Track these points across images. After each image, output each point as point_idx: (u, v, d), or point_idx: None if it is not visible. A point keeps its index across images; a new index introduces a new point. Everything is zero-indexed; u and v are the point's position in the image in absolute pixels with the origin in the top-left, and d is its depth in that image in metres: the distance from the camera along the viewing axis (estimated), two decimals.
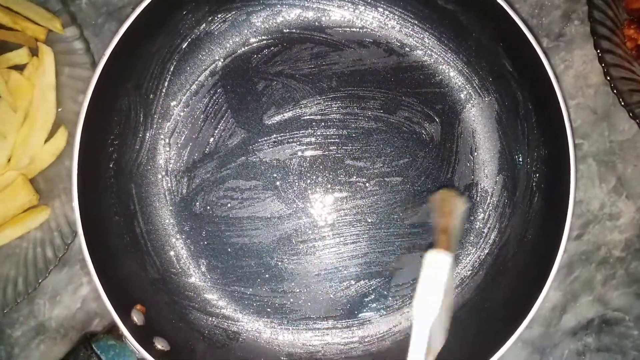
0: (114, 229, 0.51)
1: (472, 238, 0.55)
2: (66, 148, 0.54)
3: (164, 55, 0.53)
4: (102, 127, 0.50)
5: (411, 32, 0.54)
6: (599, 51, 0.49)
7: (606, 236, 0.56)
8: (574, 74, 0.56)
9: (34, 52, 0.52)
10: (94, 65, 0.52)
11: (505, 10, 0.47)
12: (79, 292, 0.57)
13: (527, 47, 0.47)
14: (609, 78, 0.49)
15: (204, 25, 0.53)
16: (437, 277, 0.40)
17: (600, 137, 0.56)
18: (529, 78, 0.50)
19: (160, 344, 0.49)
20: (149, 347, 0.47)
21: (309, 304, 0.54)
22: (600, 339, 0.56)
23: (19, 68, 0.53)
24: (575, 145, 0.47)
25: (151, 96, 0.54)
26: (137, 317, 0.48)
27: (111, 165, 0.51)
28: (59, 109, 0.54)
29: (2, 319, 0.56)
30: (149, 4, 0.47)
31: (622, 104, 0.49)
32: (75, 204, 0.47)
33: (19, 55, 0.52)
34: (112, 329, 0.49)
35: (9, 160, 0.52)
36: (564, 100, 0.47)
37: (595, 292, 0.56)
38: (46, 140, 0.53)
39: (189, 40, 0.53)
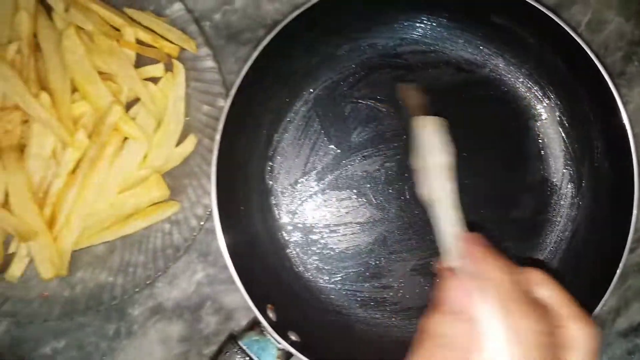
0: (244, 238, 0.59)
1: (547, 228, 0.62)
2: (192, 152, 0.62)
3: (272, 90, 0.61)
4: (233, 147, 0.58)
5: (478, 52, 0.62)
6: None
7: None
8: (633, 108, 0.64)
9: (168, 67, 0.61)
10: (223, 83, 0.60)
11: (582, 47, 0.55)
12: (194, 277, 0.65)
13: (599, 81, 0.55)
14: None
15: (302, 61, 0.62)
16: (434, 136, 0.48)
17: None
18: (599, 104, 0.58)
19: (293, 336, 0.56)
20: (286, 339, 0.56)
21: (407, 296, 0.62)
22: None
23: (154, 80, 0.61)
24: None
25: (259, 123, 0.62)
26: (272, 314, 0.56)
27: (235, 187, 0.60)
28: (187, 118, 0.62)
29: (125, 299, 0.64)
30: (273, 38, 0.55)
31: None
32: (216, 218, 0.55)
33: (156, 70, 0.60)
34: (252, 327, 0.59)
35: (145, 158, 0.61)
36: (631, 128, 0.54)
37: None
38: (177, 145, 0.61)
39: (292, 74, 0.62)
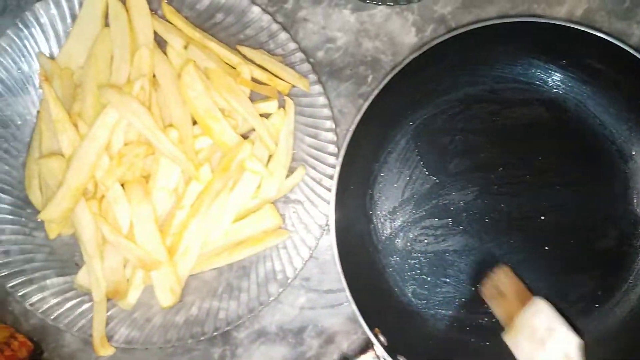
0: (354, 263, 0.62)
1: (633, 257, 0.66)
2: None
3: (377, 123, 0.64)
4: (345, 177, 0.62)
5: (570, 90, 0.65)
6: None
7: None
8: None
9: (280, 104, 0.64)
10: (332, 117, 0.64)
11: None
12: (297, 302, 0.68)
13: None
14: None
15: (407, 97, 0.65)
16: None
17: None
18: None
19: None
20: None
21: None
22: None
23: (264, 116, 0.64)
24: None
25: (363, 155, 0.65)
26: (382, 338, 0.59)
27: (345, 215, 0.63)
28: (294, 151, 0.65)
29: None
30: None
31: None
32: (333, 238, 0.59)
33: (271, 106, 0.63)
34: (363, 350, 0.62)
35: (257, 189, 0.64)
36: None
37: None
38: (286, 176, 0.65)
39: (396, 108, 0.66)
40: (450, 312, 0.65)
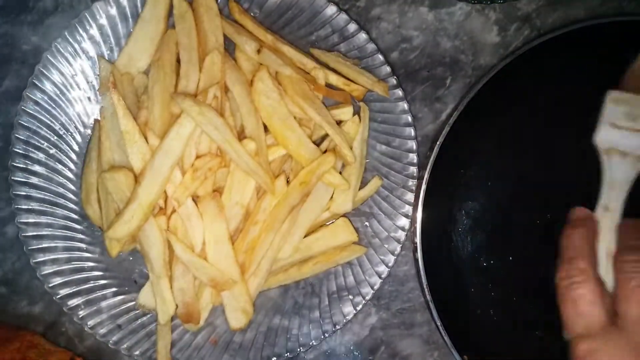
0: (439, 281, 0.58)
1: None
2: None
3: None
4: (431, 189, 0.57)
5: None
6: None
7: None
8: None
9: (355, 110, 0.60)
10: (412, 125, 0.59)
11: None
12: (367, 321, 0.64)
13: None
14: None
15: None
16: None
17: None
18: None
19: None
20: None
21: None
22: None
23: (338, 123, 0.60)
24: None
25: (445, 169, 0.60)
26: None
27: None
28: (367, 160, 0.61)
29: None
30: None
31: None
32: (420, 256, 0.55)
33: (345, 113, 0.59)
34: None
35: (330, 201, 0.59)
36: None
37: None
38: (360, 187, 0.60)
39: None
40: (536, 332, 0.62)
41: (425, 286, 0.55)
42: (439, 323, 0.55)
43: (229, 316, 0.56)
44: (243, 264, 0.56)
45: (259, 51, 0.57)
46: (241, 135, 0.57)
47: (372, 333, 0.63)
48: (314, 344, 0.59)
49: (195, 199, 0.55)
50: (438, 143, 0.55)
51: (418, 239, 0.55)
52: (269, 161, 0.56)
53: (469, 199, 0.62)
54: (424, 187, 0.55)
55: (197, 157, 0.55)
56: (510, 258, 0.61)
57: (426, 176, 0.55)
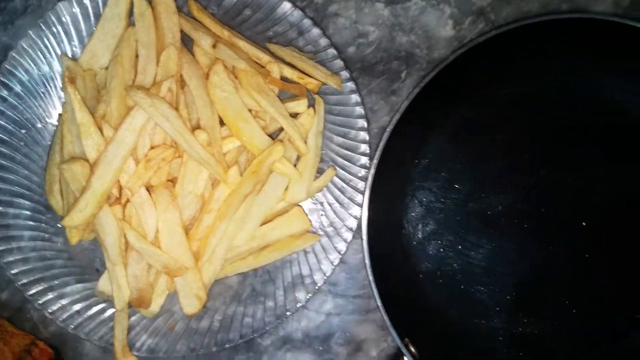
0: (386, 267, 0.60)
1: None
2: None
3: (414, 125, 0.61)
4: (380, 180, 0.59)
5: (630, 94, 0.61)
6: None
7: None
8: None
9: (310, 102, 0.61)
10: (365, 116, 0.61)
11: None
12: (324, 308, 0.65)
13: None
14: None
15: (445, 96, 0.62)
16: None
17: None
18: None
19: None
20: None
21: (546, 328, 0.62)
22: None
23: (293, 115, 0.61)
24: None
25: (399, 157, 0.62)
26: (413, 349, 0.57)
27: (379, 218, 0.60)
28: (323, 151, 0.63)
29: None
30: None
31: None
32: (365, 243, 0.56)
33: (299, 105, 0.61)
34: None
35: (285, 191, 0.61)
36: None
37: None
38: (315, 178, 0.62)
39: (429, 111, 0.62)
40: (483, 320, 0.63)
41: (368, 267, 0.56)
42: (379, 303, 0.56)
43: (182, 302, 0.58)
44: (198, 252, 0.58)
45: (214, 46, 0.59)
46: (197, 128, 0.58)
47: (328, 319, 0.65)
48: (267, 329, 0.61)
49: (150, 188, 0.57)
50: (387, 130, 0.57)
51: (364, 225, 0.56)
52: (222, 152, 0.58)
53: (422, 188, 0.63)
54: (372, 172, 0.56)
55: (152, 147, 0.57)
56: (460, 247, 0.62)
57: (374, 162, 0.56)
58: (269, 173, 0.58)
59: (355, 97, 0.61)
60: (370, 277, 0.56)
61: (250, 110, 0.60)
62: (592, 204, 0.62)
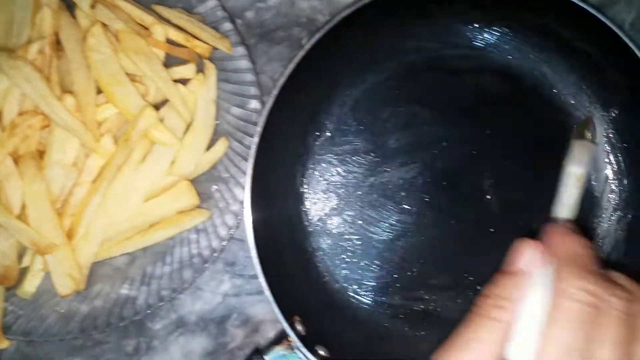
0: (274, 246, 0.56)
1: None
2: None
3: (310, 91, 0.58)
4: (268, 151, 0.55)
5: (527, 60, 0.59)
6: None
7: None
8: None
9: (199, 68, 0.57)
10: (258, 83, 0.57)
11: (628, 46, 0.53)
12: (220, 288, 0.62)
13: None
14: None
15: (343, 63, 0.59)
16: None
17: None
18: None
19: (321, 351, 0.54)
20: (315, 354, 0.53)
21: (438, 309, 0.59)
22: None
23: (183, 82, 0.57)
24: None
25: (295, 127, 0.59)
26: (300, 327, 0.53)
27: (267, 192, 0.56)
28: (217, 121, 0.58)
29: None
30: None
31: None
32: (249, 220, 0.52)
33: (187, 70, 0.56)
34: (279, 340, 0.56)
35: (172, 164, 0.57)
36: None
37: None
38: (206, 149, 0.58)
39: (331, 76, 0.59)
40: (384, 298, 0.60)
41: (252, 247, 0.52)
42: (262, 280, 0.52)
43: (55, 282, 0.54)
44: (71, 228, 0.54)
45: (93, 7, 0.54)
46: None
47: (224, 300, 0.61)
48: (152, 311, 0.57)
49: (18, 159, 0.52)
50: (272, 95, 0.53)
51: (247, 198, 0.52)
52: (97, 119, 0.53)
53: (323, 161, 0.59)
54: (255, 141, 0.52)
55: (21, 114, 0.52)
56: (360, 222, 0.59)
57: (258, 130, 0.52)
58: (145, 141, 0.54)
59: (245, 63, 0.57)
60: (253, 252, 0.52)
61: (133, 77, 0.55)
62: (497, 177, 0.59)
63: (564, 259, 0.39)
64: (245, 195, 0.52)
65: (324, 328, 0.57)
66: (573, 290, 0.36)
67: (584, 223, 0.58)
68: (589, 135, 0.52)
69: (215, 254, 0.57)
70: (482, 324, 0.38)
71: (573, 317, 0.36)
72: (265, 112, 0.52)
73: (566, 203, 0.48)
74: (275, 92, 0.52)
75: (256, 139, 0.52)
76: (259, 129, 0.52)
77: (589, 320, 0.36)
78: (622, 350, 0.36)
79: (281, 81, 0.52)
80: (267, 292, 0.52)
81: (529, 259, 0.40)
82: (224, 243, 0.57)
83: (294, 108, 0.56)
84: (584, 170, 0.49)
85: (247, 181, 0.52)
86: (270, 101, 0.52)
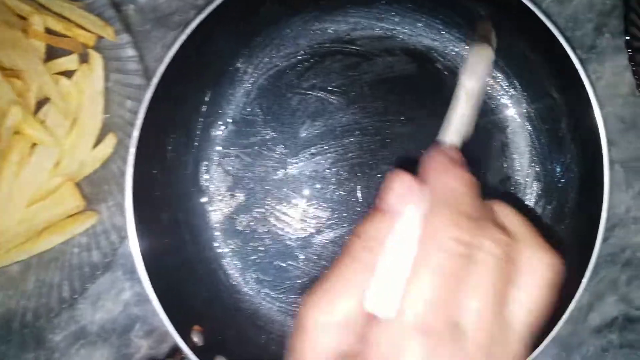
0: (167, 249, 0.52)
1: None
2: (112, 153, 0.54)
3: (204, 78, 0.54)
4: (157, 144, 0.51)
5: (439, 38, 0.56)
6: (632, 64, 0.52)
7: (631, 239, 0.59)
8: (604, 85, 0.58)
9: (84, 59, 0.53)
10: (146, 72, 0.53)
11: (544, 23, 0.49)
12: (121, 297, 0.57)
13: (564, 59, 0.49)
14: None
15: (242, 47, 0.54)
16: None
17: (627, 145, 0.58)
18: (565, 87, 0.52)
19: None
20: None
21: None
22: (624, 335, 0.59)
23: (67, 74, 0.53)
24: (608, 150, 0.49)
25: (192, 118, 0.54)
26: (197, 338, 0.49)
27: (159, 191, 0.52)
28: (106, 115, 0.54)
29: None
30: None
31: None
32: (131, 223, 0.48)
33: (70, 62, 0.52)
34: (174, 353, 0.53)
35: (57, 165, 0.52)
36: (600, 110, 0.49)
37: (619, 291, 0.59)
38: (94, 146, 0.53)
39: (230, 61, 0.55)
40: (300, 300, 0.55)
41: (136, 255, 0.48)
42: (147, 285, 0.48)
43: None
44: None
45: None
46: None
47: (126, 309, 0.57)
48: (46, 319, 0.52)
49: None
50: (153, 82, 0.48)
51: (128, 201, 0.48)
52: None
53: (228, 155, 0.55)
54: (138, 124, 0.48)
55: None
56: (271, 219, 0.55)
57: (137, 123, 0.48)
58: (22, 141, 0.49)
59: (130, 51, 0.52)
60: (138, 259, 0.48)
61: (11, 71, 0.50)
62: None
63: (438, 198, 0.33)
64: (127, 199, 0.48)
65: (229, 336, 0.53)
66: (442, 238, 0.31)
67: None
68: (486, 39, 0.43)
69: (106, 260, 0.53)
70: (351, 266, 0.33)
71: (438, 268, 0.31)
72: (145, 102, 0.48)
73: (453, 123, 0.40)
74: (155, 80, 0.48)
75: (135, 133, 0.48)
76: (138, 121, 0.48)
77: (458, 271, 0.31)
78: (494, 299, 0.31)
79: (161, 69, 0.48)
80: (154, 299, 0.48)
81: (399, 194, 0.34)
82: (116, 247, 0.53)
83: (183, 97, 0.51)
84: (475, 83, 0.41)
85: (128, 183, 0.48)
86: (149, 91, 0.47)
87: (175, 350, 0.51)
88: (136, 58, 0.52)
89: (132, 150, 0.48)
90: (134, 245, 0.47)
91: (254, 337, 0.55)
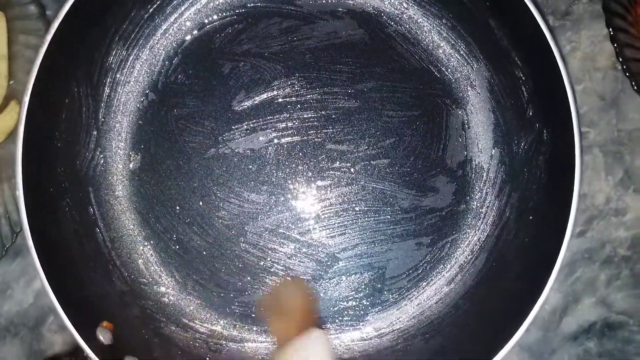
0: (70, 237, 0.46)
1: (469, 220, 0.50)
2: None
3: (116, 35, 0.48)
4: (51, 114, 0.45)
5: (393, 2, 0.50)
6: (611, 30, 0.45)
7: (611, 233, 0.53)
8: (581, 56, 0.52)
9: None
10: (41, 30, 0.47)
11: None
12: (32, 286, 0.52)
13: (531, 24, 0.43)
14: (621, 59, 0.45)
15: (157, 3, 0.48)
16: None
17: (607, 126, 0.52)
18: (532, 59, 0.46)
19: None
20: None
21: None
22: (603, 344, 0.53)
23: None
24: (581, 134, 0.43)
25: (102, 85, 0.49)
26: (103, 336, 0.43)
27: (61, 169, 0.46)
28: (11, 82, 0.48)
29: None
30: None
31: (635, 87, 0.45)
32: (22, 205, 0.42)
33: None
34: (76, 351, 0.46)
35: None
36: (571, 85, 0.43)
37: (598, 293, 0.53)
38: None
39: (143, 19, 0.48)
40: (231, 294, 0.51)
41: (30, 244, 0.42)
42: (43, 279, 0.42)
43: None
44: None
45: None
46: None
47: (37, 300, 0.51)
48: None
49: None
50: (47, 39, 0.42)
51: (19, 188, 0.42)
52: None
53: (149, 131, 0.49)
54: (26, 99, 0.42)
55: None
56: (200, 204, 0.50)
57: (25, 100, 0.42)
58: None
59: (33, 8, 0.46)
60: (34, 255, 0.42)
61: None
62: (364, 145, 0.49)
63: None
64: (18, 173, 0.42)
65: (140, 336, 0.47)
66: None
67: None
68: None
69: (7, 243, 0.47)
70: None
71: None
72: (37, 63, 0.42)
73: None
74: (48, 37, 0.42)
75: (26, 98, 0.41)
76: (29, 85, 0.41)
77: None
78: None
79: (55, 24, 0.42)
80: (51, 294, 0.42)
81: None
82: (17, 229, 0.47)
83: (86, 59, 0.45)
84: None
85: (18, 158, 0.41)
86: (42, 50, 0.41)
87: (77, 348, 0.45)
88: (38, 15, 0.47)
89: (23, 119, 0.42)
90: (27, 234, 0.42)
91: (174, 335, 0.49)
